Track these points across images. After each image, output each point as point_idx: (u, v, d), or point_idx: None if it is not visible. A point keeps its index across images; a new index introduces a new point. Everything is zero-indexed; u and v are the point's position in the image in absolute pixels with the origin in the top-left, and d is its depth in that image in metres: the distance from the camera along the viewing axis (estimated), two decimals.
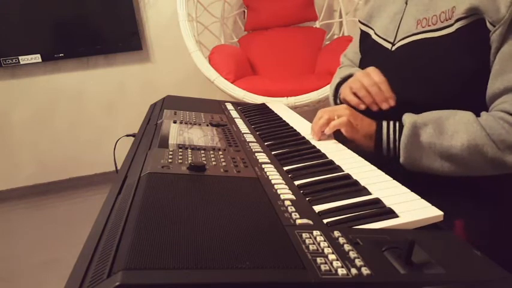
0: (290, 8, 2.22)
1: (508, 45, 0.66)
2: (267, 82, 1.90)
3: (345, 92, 0.83)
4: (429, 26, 0.76)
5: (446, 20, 0.73)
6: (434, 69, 0.74)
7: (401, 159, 0.71)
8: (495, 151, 0.65)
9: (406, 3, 0.83)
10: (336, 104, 0.95)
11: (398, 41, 0.82)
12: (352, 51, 1.03)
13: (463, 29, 0.70)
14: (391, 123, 0.74)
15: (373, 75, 0.78)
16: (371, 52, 0.92)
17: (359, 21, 0.96)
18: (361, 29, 0.97)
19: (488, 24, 0.67)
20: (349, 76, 0.89)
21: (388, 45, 0.85)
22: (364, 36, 0.95)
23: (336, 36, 2.34)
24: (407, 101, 0.75)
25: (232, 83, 1.82)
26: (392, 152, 0.73)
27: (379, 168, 0.65)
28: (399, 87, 0.77)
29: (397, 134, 0.72)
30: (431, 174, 0.70)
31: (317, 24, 2.34)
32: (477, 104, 0.70)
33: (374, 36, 0.90)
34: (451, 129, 0.67)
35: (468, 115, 0.67)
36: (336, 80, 0.96)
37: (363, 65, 0.95)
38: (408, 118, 0.71)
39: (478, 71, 0.70)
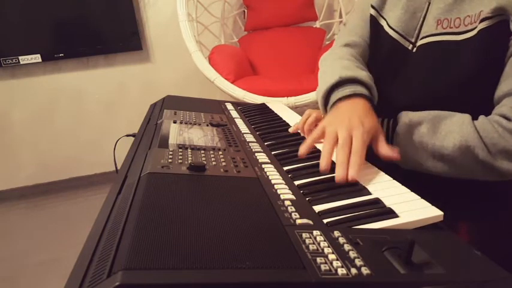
0: (290, 8, 2.22)
1: None
2: (267, 82, 1.90)
3: (319, 127, 0.71)
4: (451, 28, 0.72)
5: (471, 24, 0.69)
6: (451, 73, 0.71)
7: None
8: (485, 154, 0.63)
9: (430, 2, 0.77)
10: (325, 108, 0.80)
11: (419, 40, 0.78)
12: (366, 31, 0.90)
13: (486, 30, 0.67)
14: (385, 120, 0.74)
15: (356, 147, 0.63)
16: (386, 47, 0.84)
17: (371, 5, 0.87)
18: (371, 14, 0.87)
19: (511, 25, 0.65)
20: (354, 79, 0.75)
21: (408, 45, 0.80)
22: (374, 24, 0.87)
23: (336, 36, 2.34)
24: (418, 104, 0.73)
25: (232, 83, 1.82)
26: None
27: (379, 168, 0.65)
28: (414, 89, 0.75)
29: (390, 131, 0.72)
30: (431, 175, 0.70)
31: (317, 24, 2.34)
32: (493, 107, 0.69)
33: (387, 29, 0.83)
34: (445, 130, 0.66)
35: (464, 117, 0.66)
36: (333, 76, 0.77)
37: (376, 60, 0.87)
38: (403, 116, 0.70)
39: (495, 75, 0.68)
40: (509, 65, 0.66)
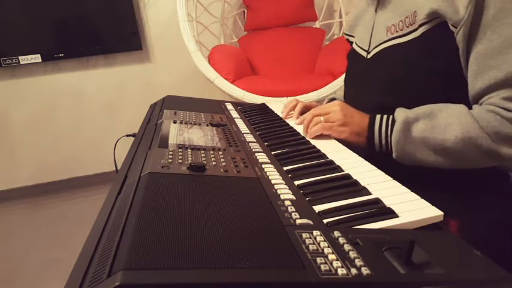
0: (290, 8, 2.22)
1: (481, 45, 0.66)
2: (266, 82, 1.90)
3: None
4: (397, 32, 0.78)
5: (411, 25, 0.74)
6: (406, 74, 0.75)
7: (394, 155, 0.72)
8: (489, 143, 0.65)
9: (376, 11, 0.86)
10: None
11: (373, 48, 0.85)
12: None
13: (428, 33, 0.72)
14: (384, 117, 0.75)
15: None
16: (352, 59, 0.96)
17: (344, 33, 1.02)
18: (348, 40, 1.02)
19: (450, 26, 0.68)
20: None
21: (364, 53, 0.88)
22: (350, 44, 1.00)
23: (335, 36, 2.35)
24: (385, 106, 0.76)
25: (232, 83, 1.82)
26: (384, 148, 0.75)
27: (379, 168, 0.65)
28: (376, 94, 0.79)
29: (389, 129, 0.73)
30: (429, 172, 0.70)
31: (317, 24, 2.34)
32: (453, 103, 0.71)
33: (354, 45, 0.95)
34: (444, 123, 0.68)
35: (460, 108, 0.68)
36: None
37: (346, 71, 1.00)
38: (400, 113, 0.72)
39: (449, 72, 0.71)
40: (474, 62, 0.68)
